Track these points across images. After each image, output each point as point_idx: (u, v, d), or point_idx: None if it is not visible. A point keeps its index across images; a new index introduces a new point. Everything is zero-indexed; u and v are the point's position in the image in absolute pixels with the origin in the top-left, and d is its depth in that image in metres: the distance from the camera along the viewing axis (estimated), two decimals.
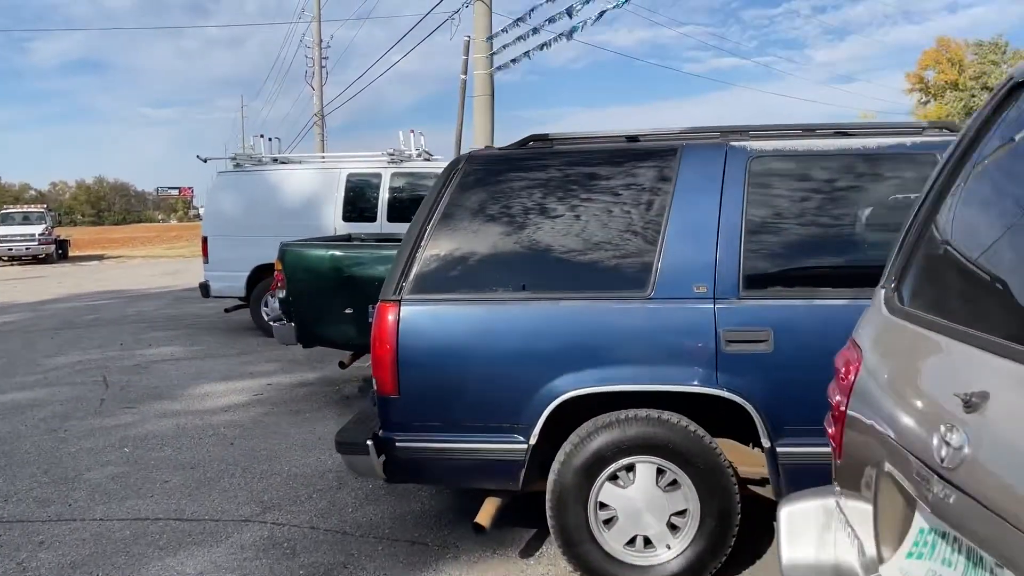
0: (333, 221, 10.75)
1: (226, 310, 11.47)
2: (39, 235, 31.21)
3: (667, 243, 3.48)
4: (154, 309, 14.79)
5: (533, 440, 3.48)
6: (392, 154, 10.69)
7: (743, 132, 3.73)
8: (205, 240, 11.23)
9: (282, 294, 6.50)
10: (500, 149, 3.89)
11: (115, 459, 5.62)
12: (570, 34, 16.01)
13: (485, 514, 3.62)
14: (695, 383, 3.39)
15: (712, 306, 3.41)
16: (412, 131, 11.13)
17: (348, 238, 8.33)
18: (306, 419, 6.60)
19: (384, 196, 10.69)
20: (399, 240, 7.53)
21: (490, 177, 3.73)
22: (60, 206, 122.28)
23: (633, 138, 3.88)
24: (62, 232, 39.71)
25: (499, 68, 18.75)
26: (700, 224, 3.50)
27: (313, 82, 38.64)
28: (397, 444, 3.59)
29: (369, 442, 3.59)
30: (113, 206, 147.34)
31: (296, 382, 8.11)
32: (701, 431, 3.44)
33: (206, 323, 12.63)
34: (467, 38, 21.35)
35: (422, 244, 3.63)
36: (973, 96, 63.98)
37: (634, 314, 3.47)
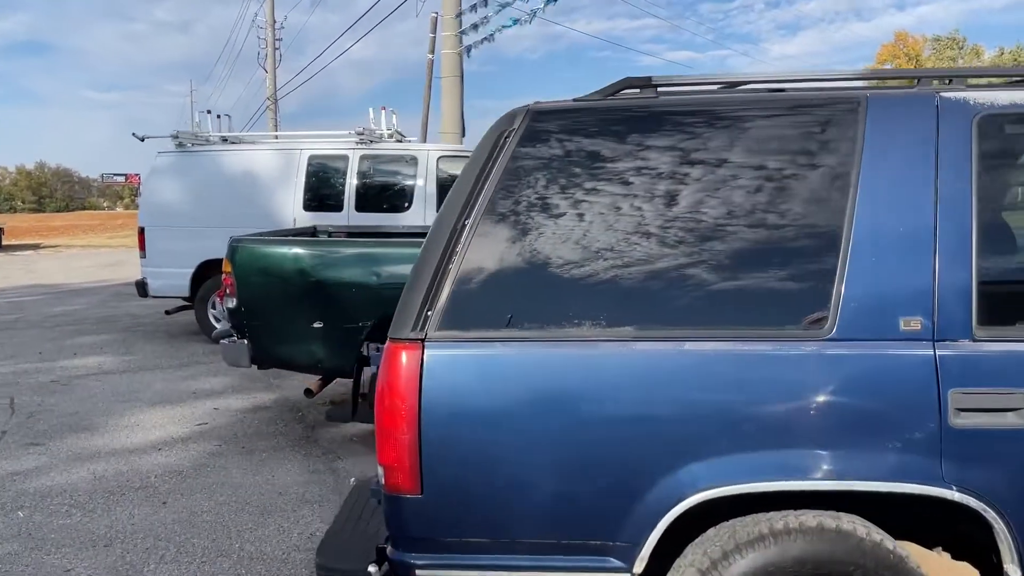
0: (292, 211, 9.30)
1: (167, 312, 9.93)
2: None
3: (853, 252, 2.19)
4: (86, 307, 13.14)
5: (639, 567, 2.17)
6: (361, 134, 9.27)
7: (956, 77, 2.44)
8: (142, 231, 9.69)
9: (232, 303, 5.08)
10: (579, 99, 2.54)
11: (2, 530, 4.17)
12: (532, 16, 15.20)
13: None
14: (905, 478, 2.11)
15: (931, 352, 2.13)
16: (384, 108, 9.72)
17: (313, 232, 6.90)
18: (262, 462, 5.20)
19: (352, 182, 9.26)
20: (381, 236, 6.11)
21: (565, 142, 2.39)
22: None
23: (778, 87, 2.55)
24: None
25: (470, 48, 17.45)
26: (906, 221, 2.21)
27: (266, 64, 36.90)
28: (418, 572, 2.24)
29: (372, 569, 2.25)
30: (55, 193, 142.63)
31: (249, 406, 6.69)
32: (904, 552, 2.16)
33: (144, 326, 11.06)
34: (435, 15, 19.96)
35: (458, 250, 2.28)
36: None
37: (804, 365, 2.16)
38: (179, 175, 9.63)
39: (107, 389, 7.29)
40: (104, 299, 14.34)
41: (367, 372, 5.00)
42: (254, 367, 5.37)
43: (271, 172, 9.44)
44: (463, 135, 15.11)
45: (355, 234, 6.90)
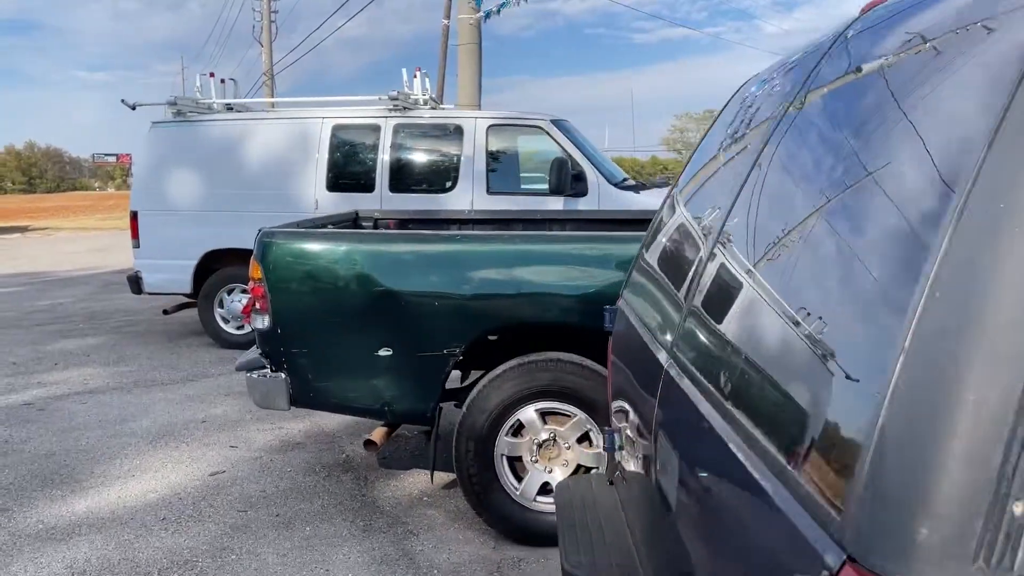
0: (313, 192, 7.81)
1: (165, 311, 8.45)
2: None
3: None
4: (72, 301, 11.64)
5: None
6: (396, 99, 7.74)
7: None
8: (135, 216, 8.18)
9: (263, 322, 3.62)
10: None
11: None
12: None
13: None
14: None
15: None
16: (418, 70, 8.20)
17: (355, 220, 5.41)
18: (307, 541, 3.75)
19: (385, 157, 7.76)
20: (440, 223, 4.70)
21: None
22: None
23: None
24: None
25: (488, 13, 16.01)
26: None
27: (261, 37, 35.37)
28: None
29: None
30: (46, 173, 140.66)
31: (275, 442, 5.24)
32: None
33: (138, 325, 9.58)
34: None
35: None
36: None
37: None
38: (178, 149, 8.12)
39: (94, 416, 5.82)
40: (93, 290, 12.83)
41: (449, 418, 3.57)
42: (294, 409, 3.89)
43: (287, 146, 7.94)
44: (479, 108, 13.72)
45: (407, 223, 5.41)
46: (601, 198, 7.42)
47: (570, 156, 7.44)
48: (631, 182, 7.85)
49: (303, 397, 3.70)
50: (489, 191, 7.59)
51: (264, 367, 3.69)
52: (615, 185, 7.55)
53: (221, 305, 8.08)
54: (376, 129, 7.82)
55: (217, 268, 8.08)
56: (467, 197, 7.58)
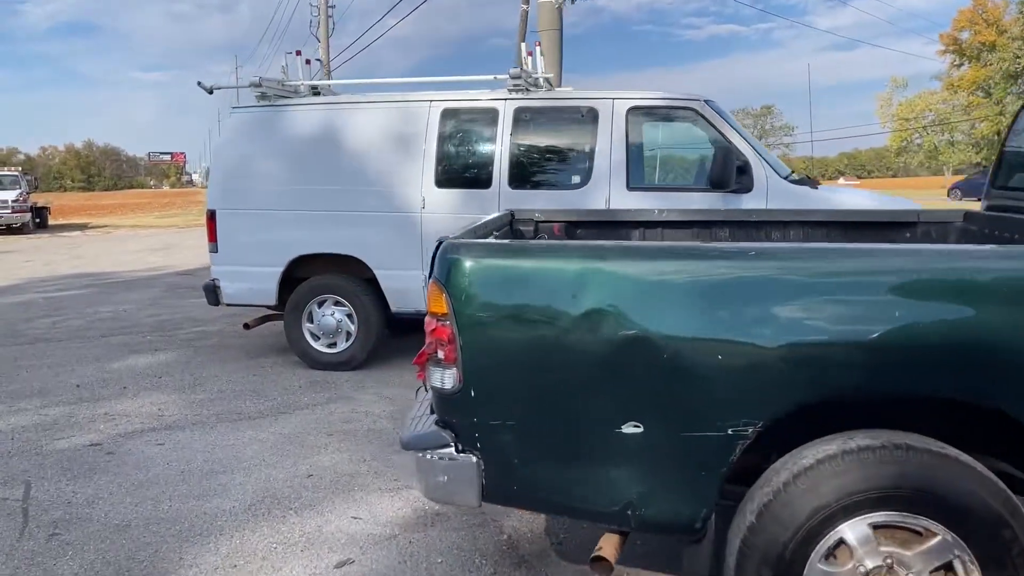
0: (420, 187, 6.63)
1: (246, 326, 7.34)
2: (12, 202, 27.17)
3: None
4: (137, 307, 10.67)
5: None
6: (517, 78, 6.52)
7: None
8: (212, 216, 7.08)
9: (450, 379, 2.42)
10: None
11: None
12: None
13: None
14: None
15: None
16: (538, 44, 6.98)
17: (510, 225, 4.19)
18: None
19: (504, 146, 6.54)
20: (636, 225, 3.40)
21: None
22: (49, 171, 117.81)
23: None
24: (41, 198, 35.49)
25: None
26: None
27: (318, 32, 34.70)
28: None
29: None
30: (103, 171, 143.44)
31: (408, 512, 4.06)
32: None
33: (211, 337, 8.52)
34: None
35: None
36: (1018, 58, 59.73)
37: None
38: (261, 139, 7.01)
39: (174, 464, 4.71)
40: (158, 295, 11.87)
41: (737, 534, 2.32)
42: (479, 504, 2.66)
43: (389, 134, 6.77)
44: None
45: (577, 227, 4.17)
46: (770, 195, 6.12)
47: (731, 144, 6.15)
48: (796, 176, 6.51)
49: (502, 490, 2.49)
50: (630, 186, 6.34)
51: (446, 445, 2.47)
52: (785, 179, 6.24)
53: (311, 319, 6.96)
54: (493, 114, 6.61)
55: (306, 276, 6.97)
56: (602, 194, 6.34)
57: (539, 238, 4.11)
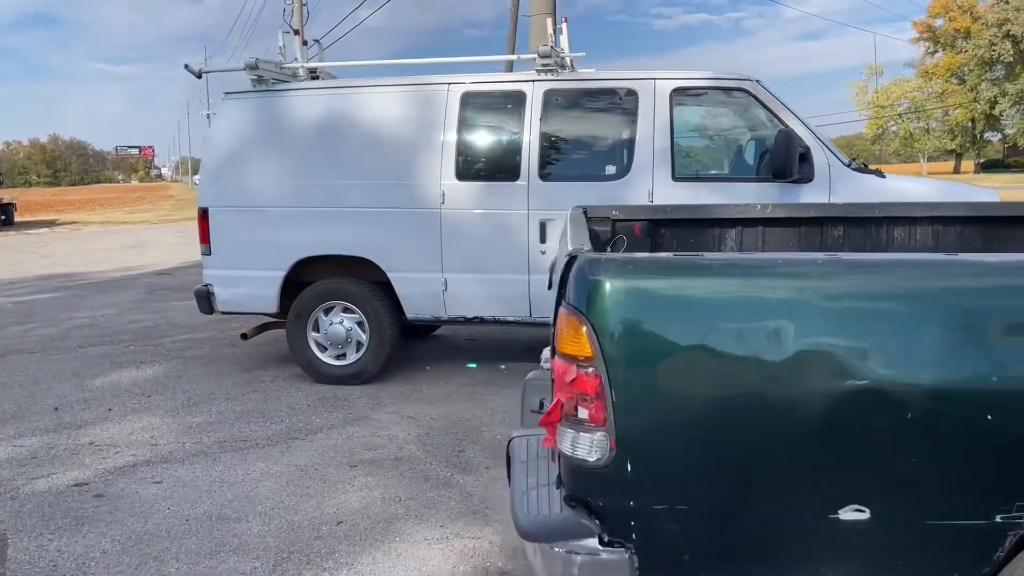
0: (438, 180, 5.94)
1: (244, 336, 6.60)
2: None
3: None
4: (116, 312, 9.87)
5: None
6: (547, 56, 5.84)
7: None
8: (204, 215, 6.33)
9: (597, 448, 1.73)
10: None
11: None
12: None
13: None
14: None
15: None
16: (565, 20, 6.30)
17: (587, 229, 3.51)
18: None
19: (533, 134, 5.87)
20: (732, 223, 2.61)
21: None
22: (14, 166, 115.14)
23: None
24: (6, 194, 34.23)
25: None
26: None
27: (292, 21, 33.71)
28: None
29: None
30: (70, 166, 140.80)
31: (467, 570, 3.38)
32: None
33: (202, 346, 7.77)
34: None
35: None
36: (993, 45, 59.85)
37: None
38: (259, 128, 6.28)
39: (176, 509, 4.01)
40: (137, 298, 11.07)
41: None
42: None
43: (403, 121, 6.08)
44: None
45: (662, 225, 3.51)
46: (834, 185, 5.50)
47: (790, 128, 5.52)
48: (856, 164, 5.90)
49: None
50: (675, 177, 5.69)
51: (587, 535, 1.80)
52: (847, 167, 5.63)
53: (316, 328, 6.25)
54: (520, 97, 5.93)
55: (311, 281, 6.26)
56: (644, 186, 5.69)
57: (617, 241, 3.44)
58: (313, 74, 6.79)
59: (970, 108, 62.71)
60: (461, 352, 7.38)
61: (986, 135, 68.99)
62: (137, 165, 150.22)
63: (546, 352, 3.38)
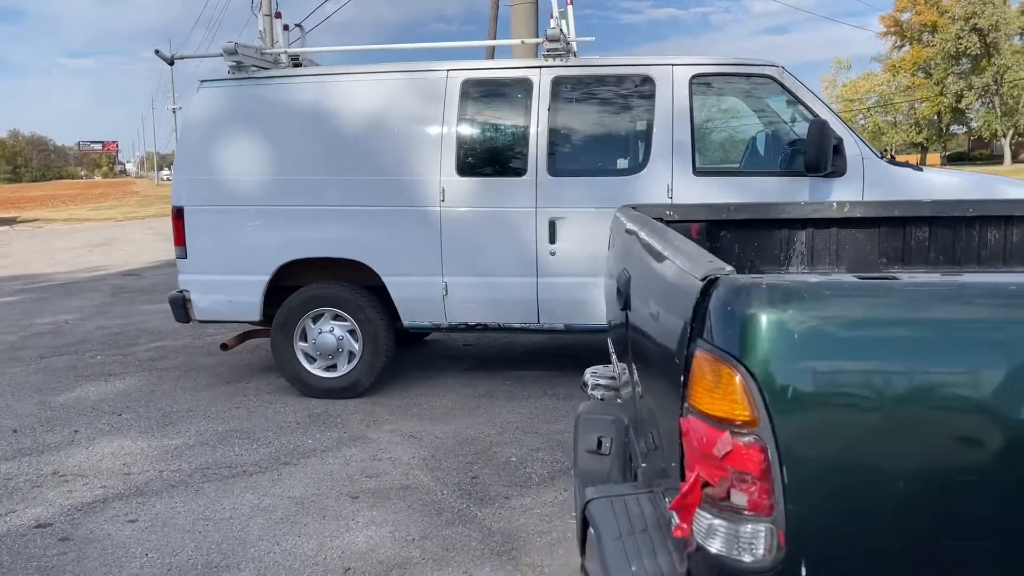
0: (438, 176, 5.45)
1: (223, 346, 6.06)
2: None
3: None
4: (81, 317, 9.25)
5: None
6: (556, 40, 5.36)
7: None
8: (179, 214, 5.78)
9: (760, 546, 1.26)
10: None
11: None
12: None
13: None
14: None
15: None
16: (570, 3, 5.82)
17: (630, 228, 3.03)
18: None
19: (542, 125, 5.39)
20: (803, 224, 2.34)
21: None
22: None
23: None
24: None
25: None
26: None
27: (260, 11, 32.81)
28: None
29: None
30: (31, 162, 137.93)
31: None
32: None
33: (176, 355, 7.21)
34: None
35: None
36: (960, 39, 60.34)
37: None
38: (240, 119, 5.74)
39: (157, 559, 3.49)
40: (103, 301, 10.43)
41: None
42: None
43: (398, 112, 5.57)
44: None
45: (720, 227, 3.05)
46: (868, 180, 5.09)
47: (820, 118, 5.10)
48: (888, 157, 5.50)
49: None
50: (696, 171, 5.25)
51: None
52: (881, 160, 5.22)
53: (304, 338, 5.74)
54: (527, 85, 5.44)
55: (298, 286, 5.74)
56: (663, 180, 5.25)
57: None
58: (295, 61, 6.25)
59: (936, 102, 63.23)
60: (458, 359, 6.90)
61: (952, 128, 69.70)
62: (100, 161, 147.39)
63: (591, 377, 2.92)
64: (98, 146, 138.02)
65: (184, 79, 61.87)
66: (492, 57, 14.78)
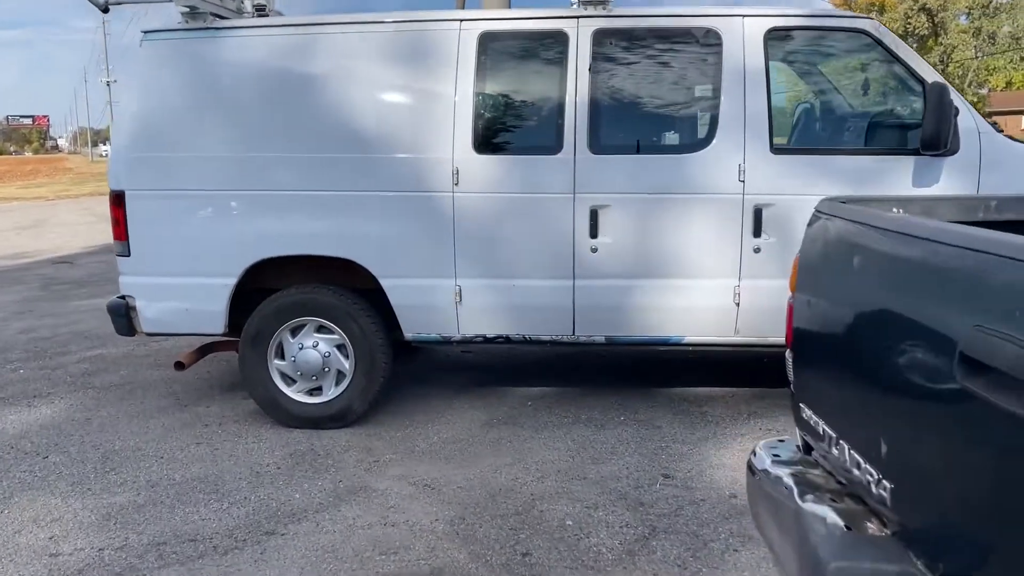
0: (450, 151, 4.35)
1: (179, 365, 4.85)
2: None
3: None
4: (3, 318, 7.93)
5: None
6: None
7: None
8: (119, 200, 4.58)
9: None
10: None
11: None
12: None
13: None
14: None
15: None
16: None
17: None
18: None
19: (581, 90, 4.32)
20: None
21: None
22: None
23: None
24: None
25: None
26: None
27: None
28: None
29: None
30: None
31: None
32: None
33: (118, 368, 6.00)
34: None
35: None
36: (908, 19, 60.69)
37: None
38: (196, 81, 4.56)
39: None
40: (30, 295, 9.09)
41: None
42: None
43: (398, 73, 4.45)
44: None
45: (1001, 227, 2.05)
46: (986, 160, 4.14)
47: (929, 83, 4.13)
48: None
49: None
50: (774, 147, 4.24)
51: None
52: (1000, 134, 4.28)
53: (281, 354, 4.62)
54: (561, 40, 4.36)
55: (273, 289, 4.61)
56: (733, 158, 4.24)
57: None
58: (261, 10, 5.04)
59: None
60: (458, 370, 5.84)
61: None
62: (31, 136, 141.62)
63: (787, 474, 1.88)
64: (28, 120, 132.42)
65: (120, 50, 58.93)
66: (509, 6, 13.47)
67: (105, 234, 4.78)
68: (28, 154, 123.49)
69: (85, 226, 17.29)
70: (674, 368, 5.62)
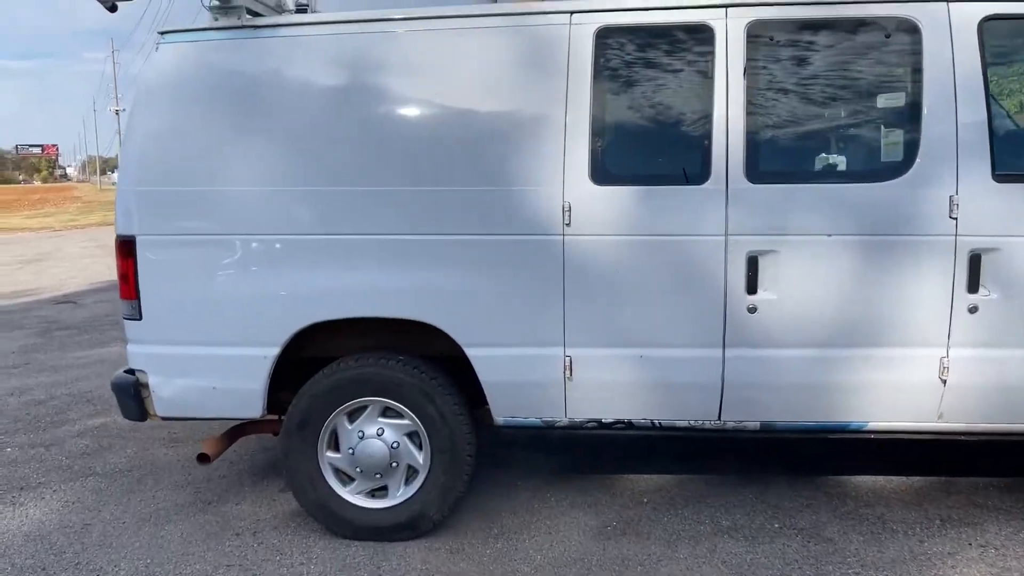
0: (560, 186, 3.28)
1: (203, 458, 3.77)
2: None
3: None
4: None
5: None
6: None
7: None
8: (128, 248, 3.53)
9: None
10: None
11: None
12: None
13: None
14: None
15: None
16: None
17: None
18: None
19: (733, 100, 3.27)
20: None
21: None
22: None
23: None
24: None
25: None
26: None
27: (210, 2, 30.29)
28: None
29: None
30: None
31: None
32: None
33: (125, 447, 4.95)
34: None
35: None
36: None
37: None
38: (224, 97, 3.53)
39: None
40: (27, 344, 8.06)
41: None
42: None
43: (489, 82, 3.41)
44: None
45: None
46: None
47: None
48: None
49: None
50: (997, 174, 3.19)
51: None
52: None
53: (335, 445, 3.55)
54: (706, 36, 3.33)
55: (325, 360, 3.56)
56: (943, 188, 3.19)
57: None
58: (302, 9, 4.02)
59: None
60: (522, 444, 4.73)
61: None
62: (40, 165, 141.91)
63: None
64: (37, 149, 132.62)
65: (129, 79, 58.45)
66: None
67: (111, 268, 3.80)
68: (37, 183, 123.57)
69: (91, 259, 16.37)
70: (802, 441, 4.49)
